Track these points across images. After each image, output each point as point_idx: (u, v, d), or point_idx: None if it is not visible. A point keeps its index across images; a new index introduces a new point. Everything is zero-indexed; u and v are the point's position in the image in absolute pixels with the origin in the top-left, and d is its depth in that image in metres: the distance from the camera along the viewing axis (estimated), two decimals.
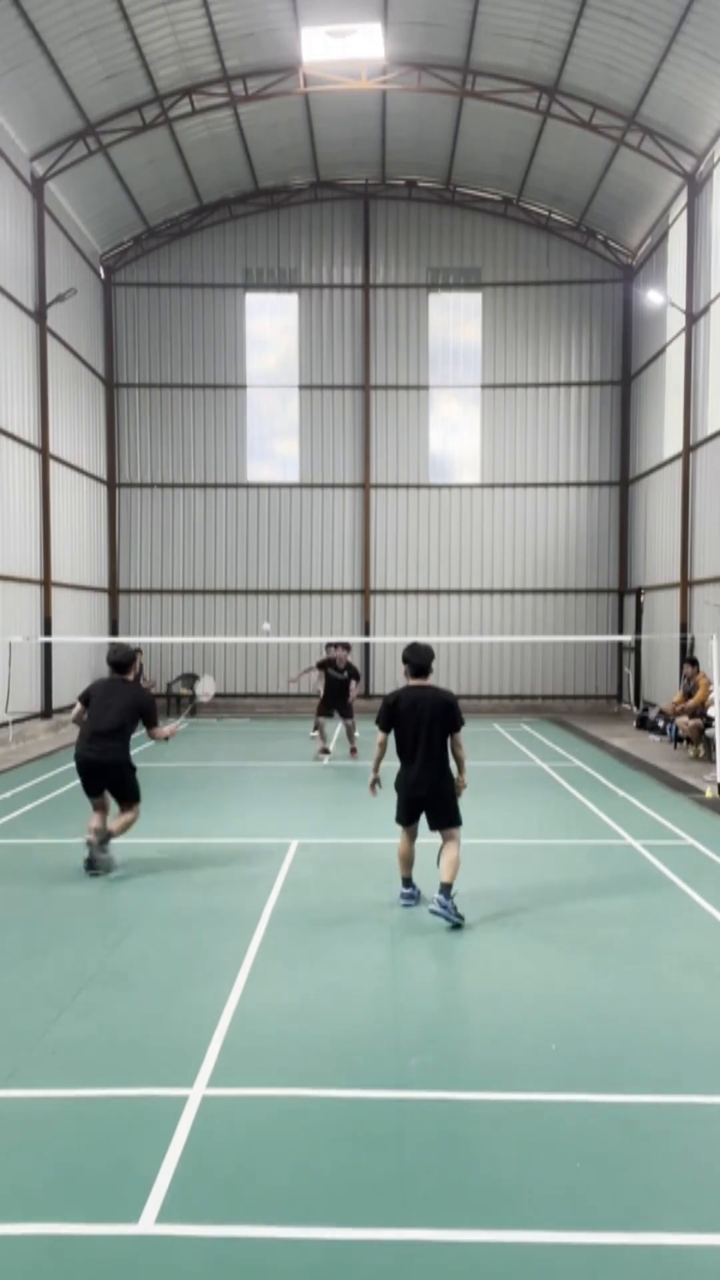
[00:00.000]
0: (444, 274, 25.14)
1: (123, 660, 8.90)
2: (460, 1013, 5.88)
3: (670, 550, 21.20)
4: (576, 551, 25.21)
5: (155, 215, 24.30)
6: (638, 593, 23.89)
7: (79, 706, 8.77)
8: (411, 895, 7.62)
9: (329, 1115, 4.49)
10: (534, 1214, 3.74)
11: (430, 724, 7.25)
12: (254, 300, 25.33)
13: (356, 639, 24.28)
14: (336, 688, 15.67)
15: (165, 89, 19.73)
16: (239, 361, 25.19)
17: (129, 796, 8.64)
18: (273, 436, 25.45)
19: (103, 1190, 3.88)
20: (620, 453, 25.05)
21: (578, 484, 25.15)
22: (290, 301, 25.32)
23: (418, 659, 7.46)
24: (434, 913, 7.09)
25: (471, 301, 25.20)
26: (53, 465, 20.85)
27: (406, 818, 7.48)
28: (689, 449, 20.08)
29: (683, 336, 20.26)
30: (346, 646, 16.08)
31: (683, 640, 19.95)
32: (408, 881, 7.66)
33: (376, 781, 7.63)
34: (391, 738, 7.48)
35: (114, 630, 24.96)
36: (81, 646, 22.70)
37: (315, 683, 15.95)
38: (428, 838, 7.56)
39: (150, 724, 8.72)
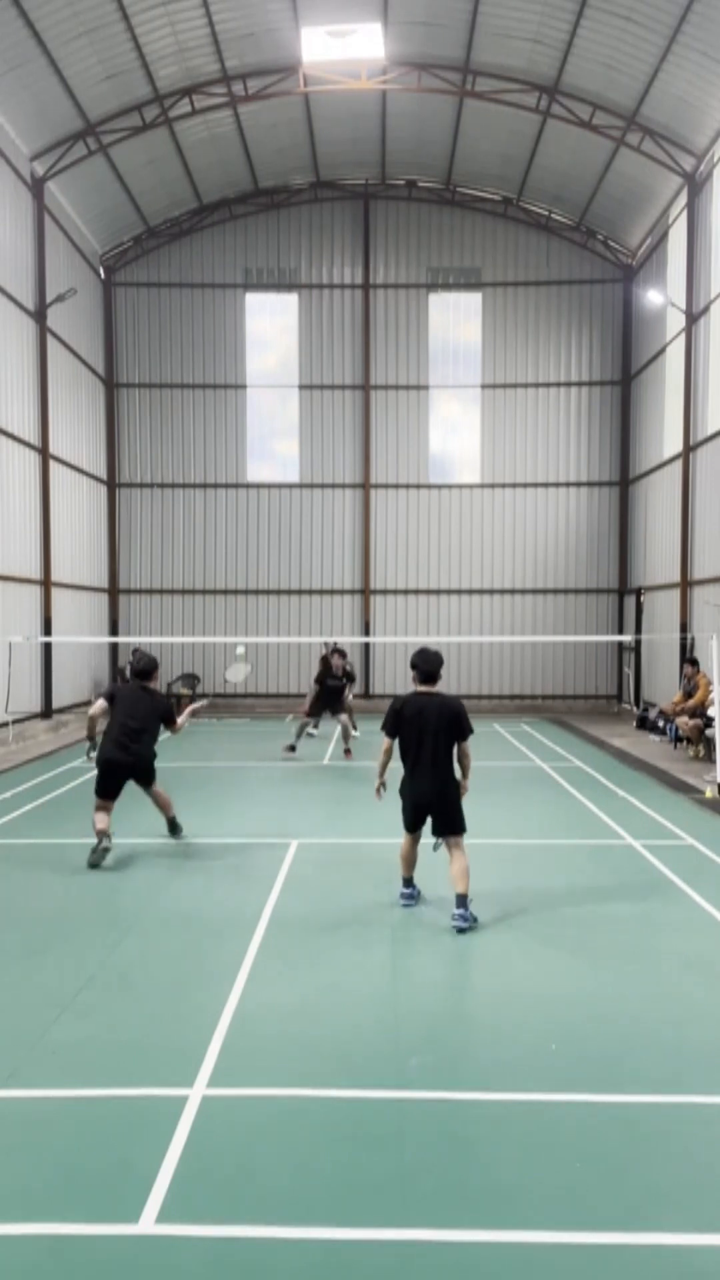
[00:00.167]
0: (444, 274, 25.15)
1: (148, 669, 9.57)
2: (460, 1013, 5.88)
3: (670, 550, 21.20)
4: (576, 551, 25.21)
5: (155, 215, 24.30)
6: (638, 593, 23.89)
7: (102, 703, 9.23)
8: (412, 895, 7.60)
9: (329, 1115, 4.49)
10: (534, 1214, 3.74)
11: (436, 732, 7.18)
12: (254, 300, 25.34)
13: (357, 639, 24.32)
14: (332, 693, 15.69)
15: (165, 89, 19.73)
16: (239, 361, 25.19)
17: (152, 780, 9.40)
18: (273, 436, 25.45)
19: (103, 1190, 3.88)
20: (620, 453, 25.06)
21: (578, 484, 25.15)
22: (290, 301, 25.33)
23: (427, 665, 7.38)
24: (458, 928, 6.97)
25: (471, 301, 25.20)
26: (53, 465, 20.86)
27: (413, 823, 7.43)
28: (689, 449, 20.08)
29: (683, 336, 20.26)
30: (342, 653, 16.08)
31: (683, 640, 19.96)
32: (408, 882, 7.63)
33: (383, 785, 7.60)
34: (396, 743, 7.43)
35: (114, 630, 24.97)
36: (81, 646, 22.70)
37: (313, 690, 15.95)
38: (429, 837, 7.55)
39: (170, 724, 9.39)
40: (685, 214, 20.08)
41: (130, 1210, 3.74)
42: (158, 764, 9.44)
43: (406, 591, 25.23)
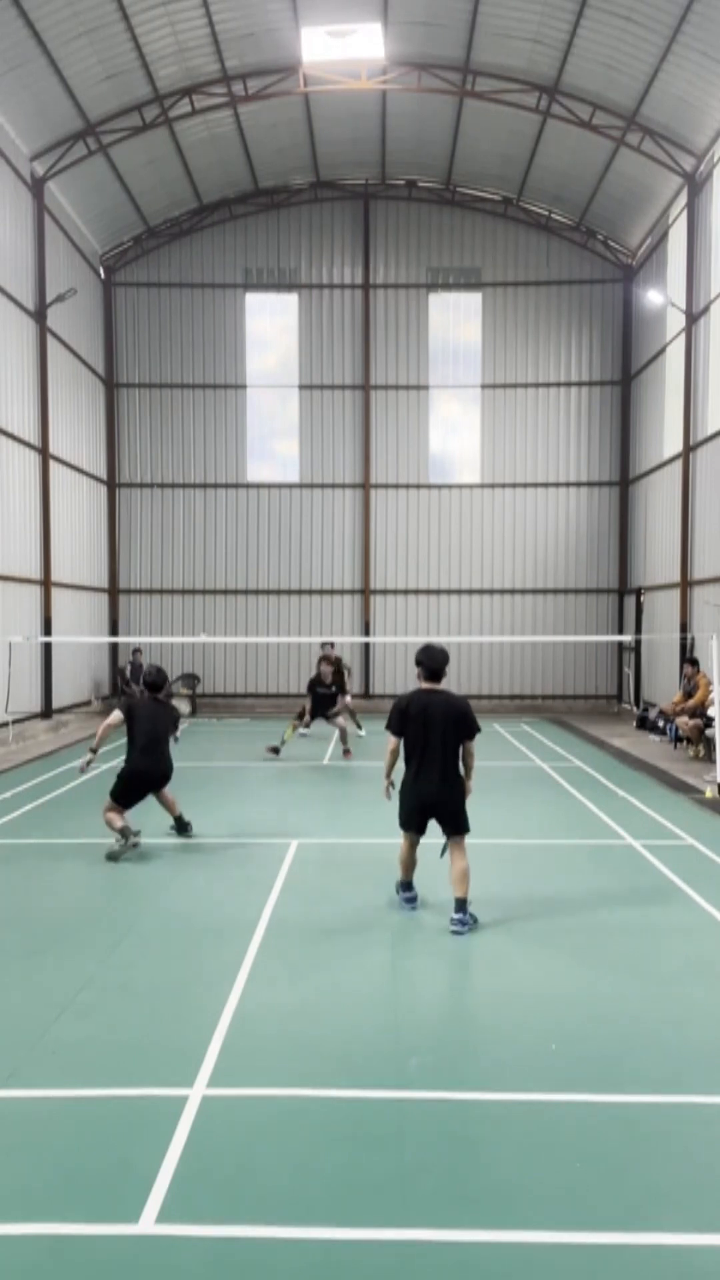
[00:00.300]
0: (444, 274, 25.15)
1: (160, 682, 9.97)
2: (460, 1013, 5.88)
3: (670, 550, 21.20)
4: (576, 551, 25.21)
5: (155, 215, 24.30)
6: (638, 593, 23.89)
7: (119, 715, 9.48)
8: (412, 898, 7.53)
9: (329, 1115, 4.49)
10: (534, 1214, 3.74)
11: (442, 730, 7.03)
12: (254, 300, 25.34)
13: (357, 639, 24.33)
14: (322, 701, 15.70)
15: (165, 89, 19.73)
16: (239, 361, 25.19)
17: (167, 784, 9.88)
18: (273, 436, 25.45)
19: (103, 1190, 3.89)
20: (620, 453, 25.06)
21: (578, 484, 25.15)
22: (290, 301, 25.33)
23: (432, 662, 7.22)
24: (455, 932, 6.95)
25: (471, 301, 25.20)
26: (53, 465, 20.86)
27: (412, 824, 7.27)
28: (689, 449, 20.08)
29: (683, 336, 20.26)
30: (330, 659, 16.05)
31: (683, 640, 19.96)
32: (408, 885, 7.54)
33: (391, 784, 7.48)
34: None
35: (114, 630, 24.98)
36: (81, 647, 22.70)
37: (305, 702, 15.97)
38: (429, 838, 7.54)
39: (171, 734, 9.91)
40: (685, 214, 20.08)
41: (130, 1210, 3.74)
42: None
43: (406, 591, 25.23)
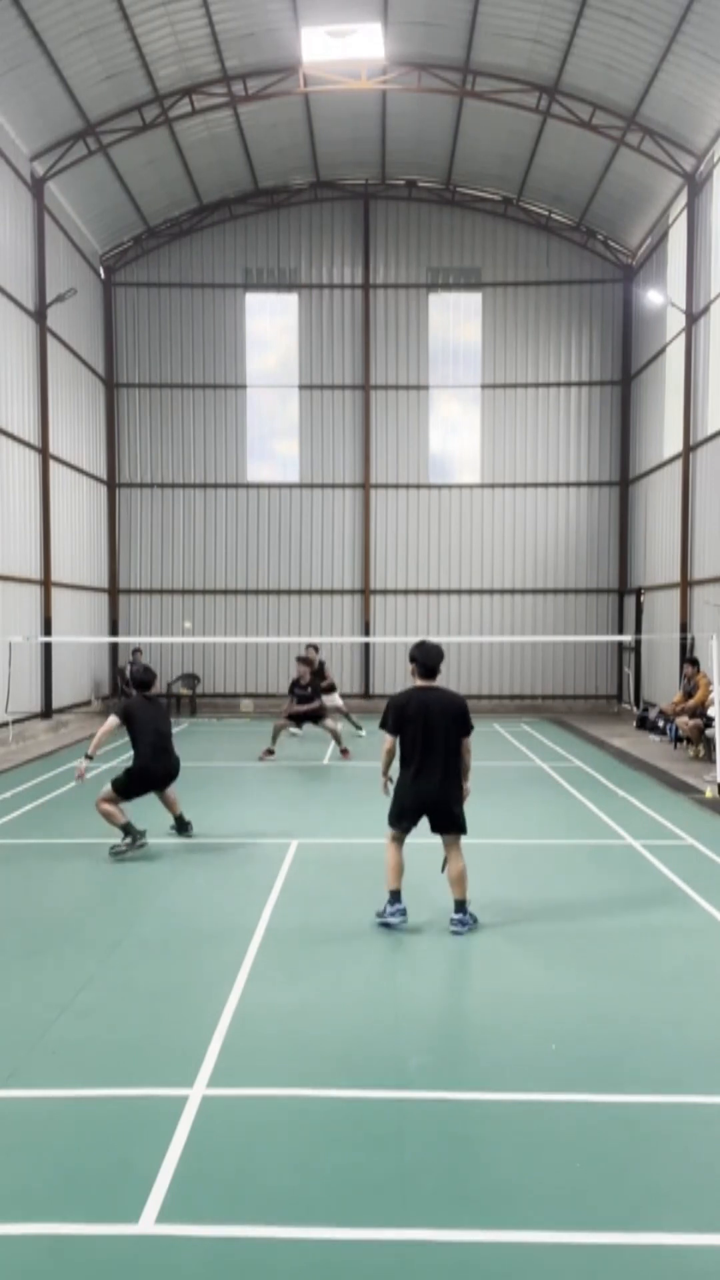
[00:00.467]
0: (444, 274, 25.15)
1: (148, 680, 9.98)
2: (460, 1012, 5.89)
3: (670, 550, 21.20)
4: (576, 551, 25.21)
5: (155, 215, 24.30)
6: (638, 593, 23.89)
7: (115, 720, 9.32)
8: (403, 910, 7.05)
9: (329, 1115, 4.49)
10: (534, 1214, 3.74)
11: (444, 728, 6.92)
12: (254, 300, 25.34)
13: (357, 639, 24.33)
14: (302, 701, 15.79)
15: (165, 89, 19.73)
16: (239, 361, 25.19)
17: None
18: (273, 436, 25.45)
19: (103, 1190, 3.88)
20: (620, 453, 25.06)
21: (578, 484, 25.15)
22: (290, 301, 25.33)
23: (427, 659, 7.08)
24: (455, 933, 6.93)
25: (471, 301, 25.20)
26: (53, 465, 20.86)
27: (406, 822, 7.10)
28: (689, 449, 20.08)
29: (683, 336, 20.26)
30: (307, 661, 16.04)
31: (683, 640, 19.96)
32: (398, 895, 7.08)
33: (389, 780, 7.34)
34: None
35: (114, 630, 24.98)
36: (81, 647, 22.70)
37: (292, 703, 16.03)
38: (418, 838, 7.52)
39: None
40: (685, 214, 20.08)
41: (130, 1210, 3.74)
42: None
43: (406, 591, 25.23)
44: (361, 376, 25.07)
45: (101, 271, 24.68)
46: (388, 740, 7.14)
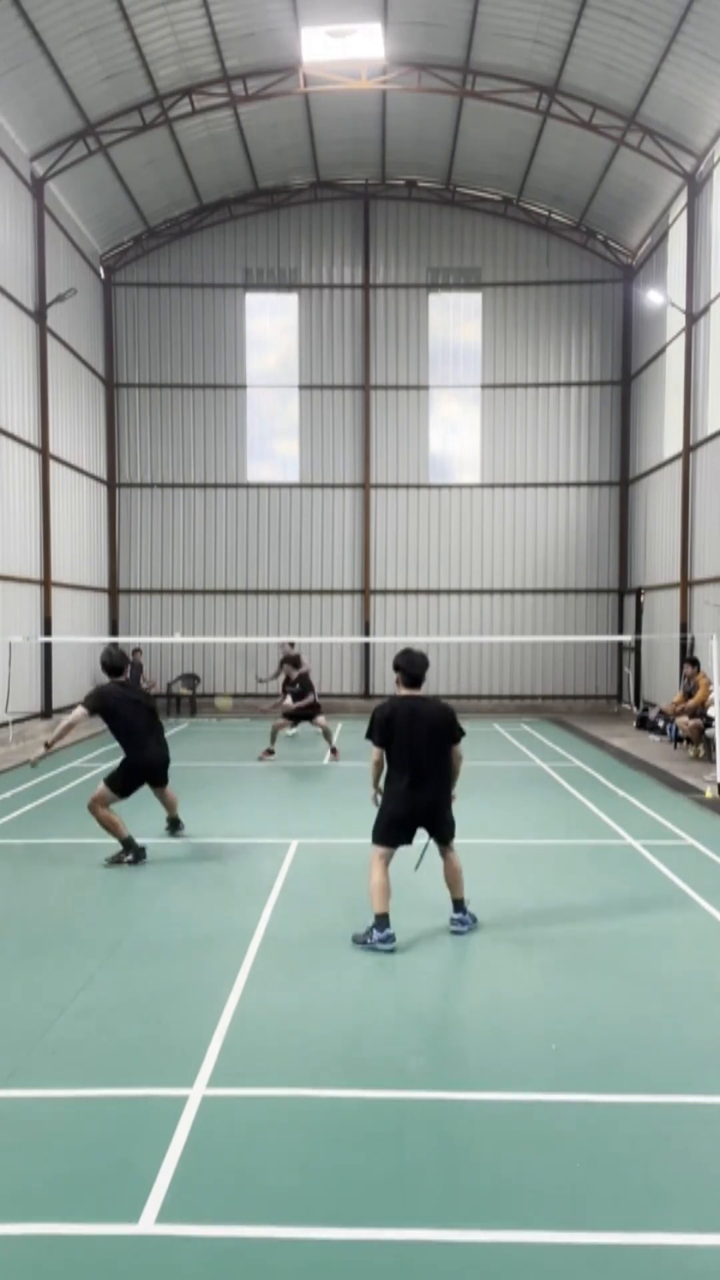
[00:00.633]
0: (444, 274, 25.15)
1: (118, 664, 9.31)
2: (460, 1012, 5.88)
3: (670, 550, 21.20)
4: (576, 551, 25.21)
5: (155, 215, 24.30)
6: (638, 593, 23.89)
7: (83, 713, 8.78)
8: (392, 936, 6.67)
9: (329, 1115, 4.49)
10: (534, 1214, 3.74)
11: (435, 736, 6.83)
12: (254, 300, 25.34)
13: (357, 639, 24.34)
14: (297, 697, 15.86)
15: (165, 89, 19.73)
16: (239, 361, 25.19)
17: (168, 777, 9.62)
18: (273, 436, 25.45)
19: (103, 1190, 3.88)
20: (620, 453, 25.06)
21: (578, 484, 25.15)
22: (290, 301, 25.33)
23: (412, 668, 6.96)
24: (455, 932, 6.92)
25: (471, 301, 25.20)
26: (53, 465, 20.85)
27: (398, 837, 6.89)
28: (689, 449, 20.08)
29: (683, 336, 20.26)
30: (291, 660, 16.06)
31: (683, 640, 19.95)
32: (386, 920, 6.69)
33: (379, 793, 7.19)
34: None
35: (114, 630, 24.97)
36: (81, 647, 22.69)
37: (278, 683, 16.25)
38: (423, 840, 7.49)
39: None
40: (685, 214, 20.08)
41: (130, 1210, 3.74)
42: None
43: (406, 591, 25.23)
44: (361, 376, 25.07)
45: (101, 271, 24.68)
46: (375, 752, 6.95)
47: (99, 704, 8.80)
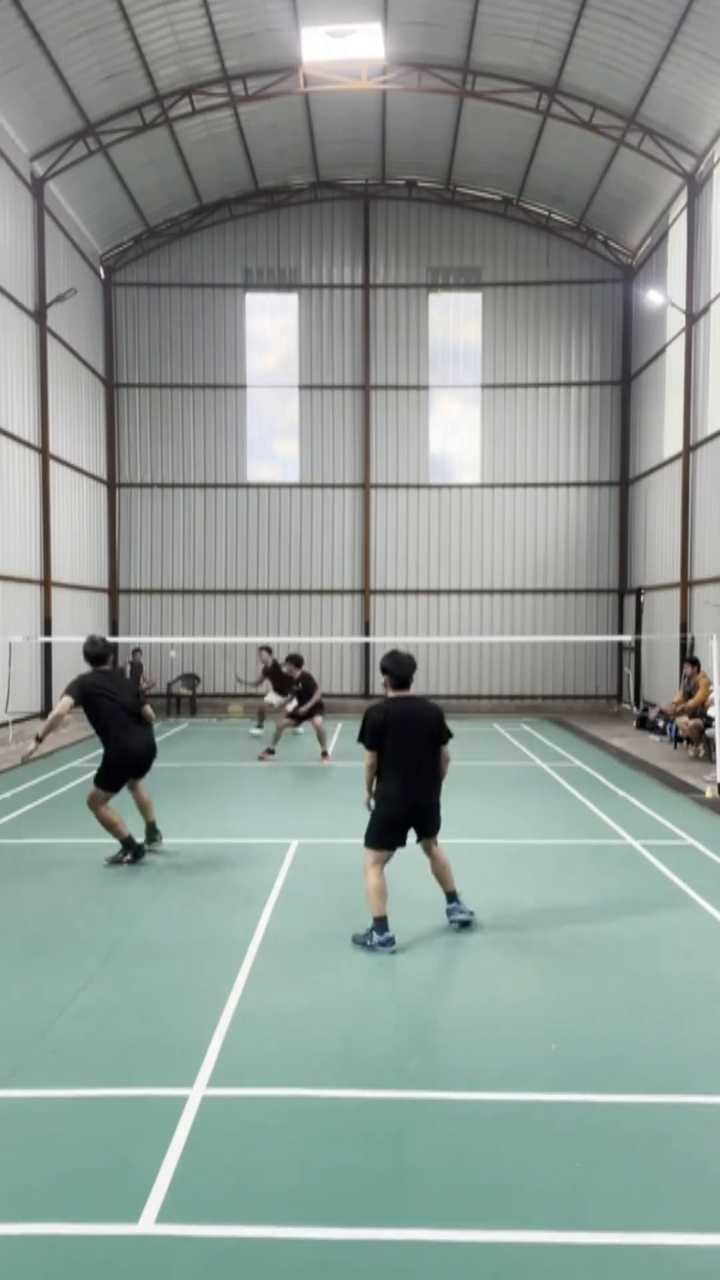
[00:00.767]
0: (444, 274, 25.15)
1: (101, 653, 9.09)
2: (460, 1012, 5.87)
3: (670, 550, 21.20)
4: (576, 551, 25.21)
5: (155, 215, 24.30)
6: (638, 593, 23.89)
7: (69, 703, 8.69)
8: (392, 939, 6.65)
9: (329, 1115, 4.49)
10: (534, 1214, 3.74)
11: (427, 737, 6.87)
12: (254, 300, 25.34)
13: (357, 639, 24.34)
14: (301, 697, 15.85)
15: (165, 89, 19.73)
16: (239, 361, 25.19)
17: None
18: (273, 436, 25.45)
19: (103, 1190, 3.88)
20: (620, 453, 25.06)
21: (578, 484, 25.15)
22: (290, 301, 25.33)
23: (400, 670, 6.95)
24: (462, 922, 6.93)
25: (471, 301, 25.20)
26: (53, 465, 20.86)
27: (393, 840, 6.91)
28: (689, 449, 20.08)
29: (683, 336, 20.26)
30: (297, 662, 16.06)
31: (683, 640, 19.96)
32: (385, 923, 6.69)
33: (373, 797, 7.18)
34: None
35: (114, 630, 24.97)
36: (81, 647, 22.67)
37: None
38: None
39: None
40: (685, 214, 20.08)
41: (130, 1210, 3.74)
42: (156, 764, 9.38)
43: (406, 591, 25.23)
44: (361, 376, 25.07)
45: (101, 271, 24.68)
46: (368, 755, 6.93)
47: (81, 692, 8.66)
